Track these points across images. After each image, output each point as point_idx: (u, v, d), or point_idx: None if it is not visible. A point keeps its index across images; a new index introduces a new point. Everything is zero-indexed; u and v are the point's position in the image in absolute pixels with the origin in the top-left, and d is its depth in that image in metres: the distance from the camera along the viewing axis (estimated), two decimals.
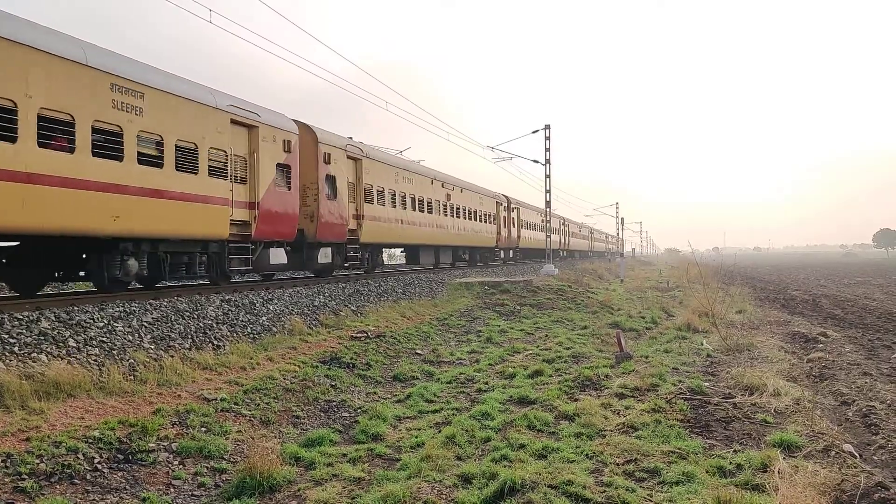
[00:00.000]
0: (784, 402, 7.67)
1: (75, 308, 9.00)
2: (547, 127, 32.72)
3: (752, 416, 7.31)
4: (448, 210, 26.54)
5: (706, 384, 8.86)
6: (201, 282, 14.67)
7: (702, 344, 12.50)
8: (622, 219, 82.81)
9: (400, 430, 7.32)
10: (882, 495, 4.85)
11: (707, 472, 5.56)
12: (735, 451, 6.14)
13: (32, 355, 7.10)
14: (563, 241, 56.18)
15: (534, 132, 33.30)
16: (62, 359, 7.24)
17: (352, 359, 10.31)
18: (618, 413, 7.51)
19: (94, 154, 9.65)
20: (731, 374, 9.32)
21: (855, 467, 5.54)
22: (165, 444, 6.18)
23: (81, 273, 11.41)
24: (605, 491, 5.20)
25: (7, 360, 6.82)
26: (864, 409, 7.61)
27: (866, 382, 9.04)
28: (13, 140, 8.41)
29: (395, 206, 21.10)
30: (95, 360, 7.53)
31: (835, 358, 11.09)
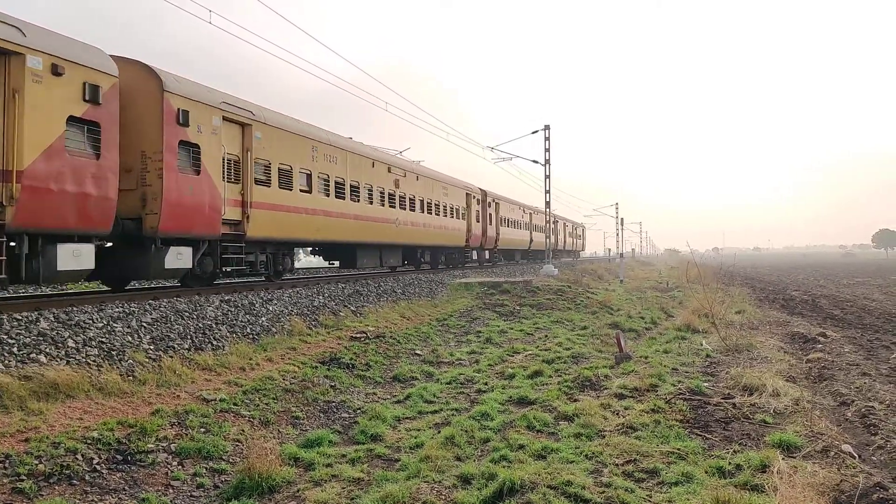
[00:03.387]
0: (783, 403, 7.68)
1: (74, 308, 8.99)
2: (546, 127, 32.73)
3: (751, 417, 7.31)
4: (396, 200, 21.37)
5: (706, 384, 8.86)
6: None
7: (701, 344, 12.50)
8: (622, 219, 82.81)
9: (399, 431, 7.32)
10: (881, 495, 4.85)
11: (706, 472, 5.57)
12: (734, 451, 6.13)
13: (31, 356, 7.10)
14: (554, 240, 54.07)
15: (533, 132, 33.31)
16: (61, 359, 7.24)
17: (351, 359, 10.31)
18: (617, 413, 7.51)
19: None
20: (731, 374, 9.32)
21: (854, 467, 5.54)
22: (164, 444, 6.18)
23: None
24: (604, 491, 5.20)
25: (6, 361, 6.82)
26: (862, 410, 7.61)
27: (865, 383, 9.04)
28: None
29: (310, 192, 15.79)
30: (94, 361, 7.52)
31: (834, 358, 11.09)
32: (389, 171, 21.11)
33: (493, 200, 34.60)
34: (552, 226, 51.82)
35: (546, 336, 14.19)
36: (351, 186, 18.16)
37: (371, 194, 19.53)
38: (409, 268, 26.48)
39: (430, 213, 25.01)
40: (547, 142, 32.67)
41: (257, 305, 11.90)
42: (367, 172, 19.29)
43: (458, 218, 28.59)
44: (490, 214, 33.64)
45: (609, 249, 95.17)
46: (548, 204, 33.96)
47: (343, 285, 16.25)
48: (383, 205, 20.45)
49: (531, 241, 44.29)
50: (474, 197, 31.06)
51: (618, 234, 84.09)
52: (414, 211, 23.07)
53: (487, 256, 36.17)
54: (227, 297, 11.90)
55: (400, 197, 21.89)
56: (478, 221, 31.41)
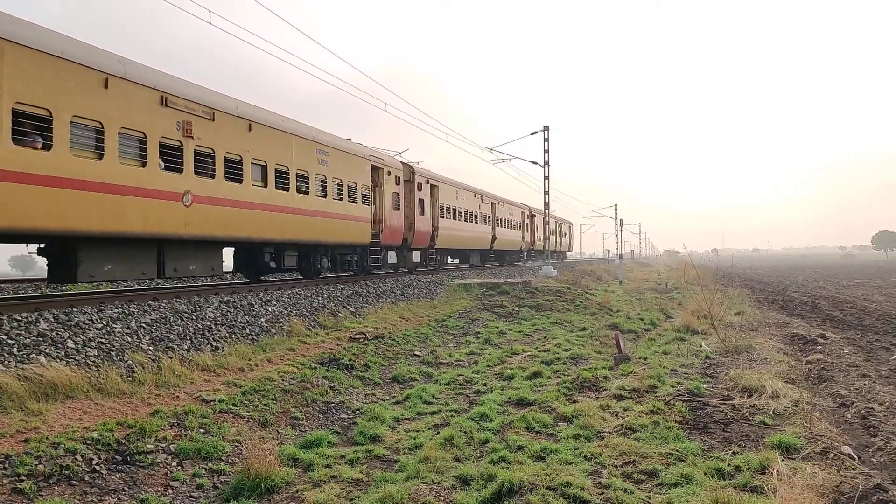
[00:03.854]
0: (783, 404, 7.68)
1: (74, 309, 8.99)
2: (546, 128, 32.77)
3: (750, 418, 7.32)
4: (188, 160, 11.87)
5: (705, 386, 8.86)
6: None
7: (700, 345, 12.51)
8: (621, 220, 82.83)
9: (398, 432, 7.32)
10: (880, 497, 4.86)
11: (705, 473, 5.56)
12: (734, 452, 6.14)
13: (31, 356, 7.10)
14: (530, 239, 43.94)
15: (532, 133, 33.35)
16: (61, 360, 7.23)
17: (350, 360, 10.31)
18: (616, 415, 7.51)
19: None
20: (730, 375, 9.33)
21: (853, 469, 5.55)
22: (164, 445, 6.18)
23: None
24: (603, 493, 5.20)
25: (6, 362, 6.82)
26: (862, 411, 7.62)
27: (865, 384, 9.05)
28: None
29: None
30: (94, 362, 7.53)
31: (833, 360, 11.09)
32: (165, 103, 11.44)
33: (428, 181, 24.95)
34: (527, 221, 42.73)
35: (545, 337, 14.20)
36: (16, 114, 8.85)
37: (101, 142, 10.21)
38: (279, 276, 19.05)
39: (287, 190, 15.12)
40: (546, 143, 32.71)
41: (256, 306, 11.90)
42: (82, 96, 9.87)
43: (357, 202, 18.80)
44: (421, 200, 24.08)
45: (608, 251, 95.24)
46: (547, 205, 33.97)
47: (342, 286, 16.25)
48: (144, 164, 10.88)
49: (493, 238, 34.84)
50: (390, 172, 21.39)
51: (617, 236, 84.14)
52: (240, 182, 13.41)
53: (418, 259, 25.25)
54: (226, 298, 11.91)
55: (199, 154, 12.31)
56: (397, 209, 22.00)
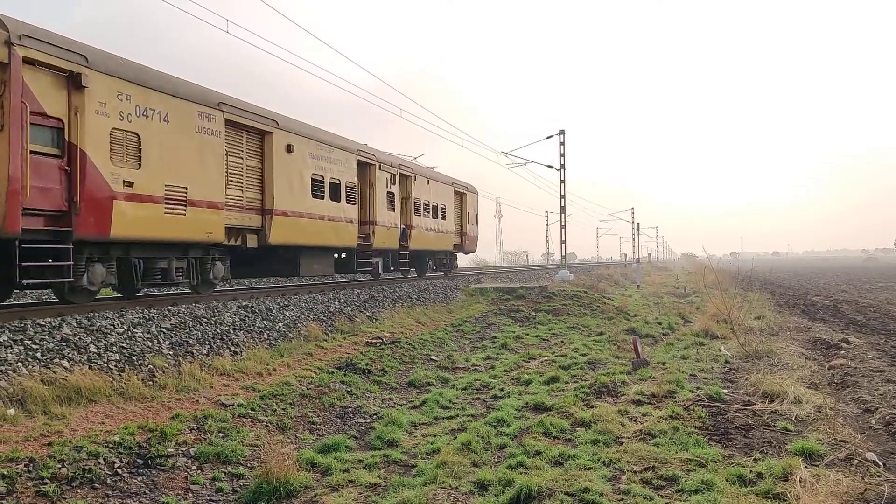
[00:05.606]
0: (805, 410, 7.56)
1: (96, 314, 9.12)
2: (561, 132, 32.66)
3: (772, 424, 7.21)
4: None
5: (725, 391, 8.75)
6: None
7: (720, 350, 12.36)
8: (637, 224, 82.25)
9: (415, 437, 7.33)
10: None
11: (727, 480, 5.49)
12: (755, 459, 6.05)
13: (54, 361, 7.22)
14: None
15: (548, 137, 33.23)
16: (83, 364, 7.35)
17: (367, 365, 10.35)
18: (635, 420, 7.45)
19: None
20: (751, 380, 9.20)
21: (878, 476, 5.44)
22: (184, 449, 6.24)
23: None
24: (622, 499, 5.16)
25: (30, 366, 6.94)
26: (887, 417, 7.47)
27: (889, 389, 8.88)
28: None
29: None
30: (116, 366, 7.63)
31: (857, 365, 10.90)
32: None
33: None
34: (282, 167, 13.42)
35: (562, 342, 14.13)
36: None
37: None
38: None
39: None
40: (562, 146, 32.59)
41: (274, 311, 11.99)
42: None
43: None
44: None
45: (625, 254, 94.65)
46: (563, 209, 33.80)
47: (359, 291, 16.31)
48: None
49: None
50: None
51: (634, 240, 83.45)
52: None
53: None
54: (244, 303, 12.00)
55: None
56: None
